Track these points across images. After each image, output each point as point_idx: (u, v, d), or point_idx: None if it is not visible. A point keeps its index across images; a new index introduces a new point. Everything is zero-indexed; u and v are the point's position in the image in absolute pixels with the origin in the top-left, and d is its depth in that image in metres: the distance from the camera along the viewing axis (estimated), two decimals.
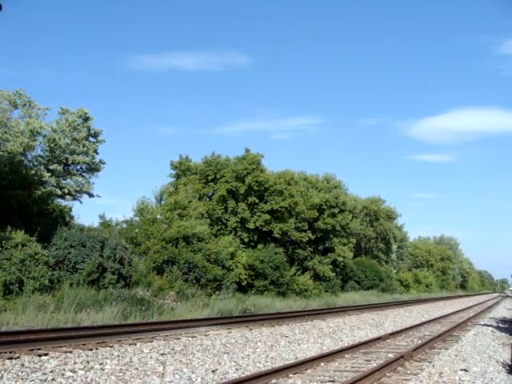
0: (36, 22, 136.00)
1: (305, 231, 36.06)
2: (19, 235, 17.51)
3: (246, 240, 31.79)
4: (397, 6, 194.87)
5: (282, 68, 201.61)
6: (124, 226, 26.34)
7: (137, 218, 27.16)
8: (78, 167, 27.21)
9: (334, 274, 39.78)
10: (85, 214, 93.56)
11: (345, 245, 41.39)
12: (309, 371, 9.91)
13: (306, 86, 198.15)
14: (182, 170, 34.55)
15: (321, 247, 40.01)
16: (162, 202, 29.84)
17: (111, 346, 11.37)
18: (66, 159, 26.42)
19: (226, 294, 23.92)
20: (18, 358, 9.32)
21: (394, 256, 66.20)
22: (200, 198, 32.15)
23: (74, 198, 26.96)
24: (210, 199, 33.16)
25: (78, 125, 27.16)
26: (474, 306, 43.33)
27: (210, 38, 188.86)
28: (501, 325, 22.98)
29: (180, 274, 23.19)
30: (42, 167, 25.21)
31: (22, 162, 22.36)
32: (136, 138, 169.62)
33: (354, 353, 12.53)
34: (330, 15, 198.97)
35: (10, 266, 16.38)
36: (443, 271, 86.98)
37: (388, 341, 15.30)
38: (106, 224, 25.27)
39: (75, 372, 8.58)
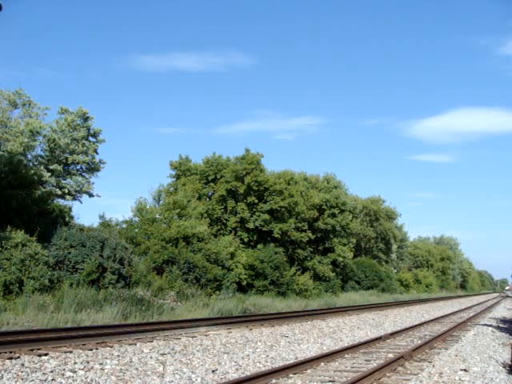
0: (36, 22, 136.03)
1: (305, 231, 36.07)
2: (19, 235, 17.50)
3: (245, 240, 31.81)
4: (397, 7, 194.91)
5: (284, 68, 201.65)
6: (124, 226, 26.34)
7: (136, 218, 27.17)
8: (78, 167, 27.24)
9: (334, 273, 39.80)
10: (85, 214, 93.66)
11: (345, 245, 41.41)
12: (309, 371, 9.90)
13: (308, 86, 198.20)
14: (182, 170, 34.57)
15: (321, 247, 40.03)
16: (161, 202, 29.85)
17: (111, 346, 11.36)
18: (66, 159, 26.43)
19: (226, 293, 23.92)
20: (18, 357, 9.31)
21: (394, 256, 66.24)
22: (199, 198, 32.16)
23: (74, 198, 26.98)
24: (210, 199, 33.18)
25: (78, 125, 27.19)
26: (474, 305, 43.33)
27: (212, 39, 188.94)
28: (501, 325, 22.98)
29: (180, 273, 23.20)
30: (42, 167, 25.21)
31: (21, 162, 22.36)
32: (136, 138, 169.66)
33: (354, 353, 12.52)
34: (331, 15, 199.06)
35: (9, 266, 16.37)
36: (443, 271, 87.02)
37: (388, 341, 15.29)
38: (105, 224, 25.26)
39: (75, 372, 8.58)
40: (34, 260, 16.99)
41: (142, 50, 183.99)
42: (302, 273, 35.05)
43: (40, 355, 9.66)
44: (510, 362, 11.12)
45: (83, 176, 27.32)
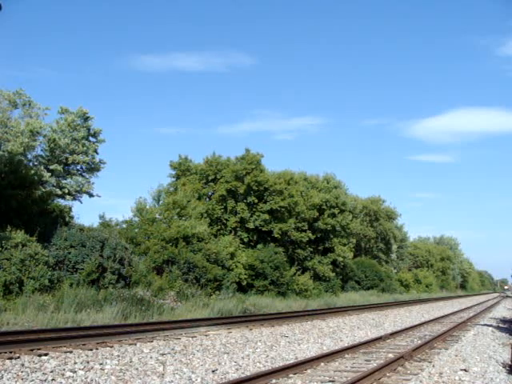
0: (36, 22, 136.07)
1: (305, 231, 36.06)
2: (19, 235, 17.51)
3: (245, 240, 31.80)
4: (398, 7, 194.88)
5: (284, 68, 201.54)
6: (124, 226, 26.34)
7: (136, 218, 27.17)
8: (78, 167, 27.23)
9: (334, 274, 39.79)
10: (85, 214, 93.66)
11: (345, 245, 41.39)
12: (309, 371, 9.90)
13: (308, 86, 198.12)
14: (182, 170, 34.56)
15: (321, 247, 40.00)
16: (161, 202, 29.84)
17: (111, 346, 11.37)
18: (66, 159, 26.42)
19: (226, 293, 23.92)
20: (18, 357, 9.31)
21: (393, 256, 66.19)
22: (199, 198, 32.15)
23: (74, 198, 26.98)
24: (210, 199, 33.17)
25: (78, 125, 27.17)
26: (474, 306, 43.34)
27: (212, 39, 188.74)
28: (501, 325, 22.98)
29: (180, 273, 23.20)
30: (42, 167, 25.21)
31: (21, 162, 22.37)
32: (136, 138, 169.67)
33: (354, 353, 12.52)
34: (331, 15, 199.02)
35: (10, 266, 16.38)
36: (443, 271, 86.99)
37: (388, 341, 15.29)
38: (105, 224, 25.27)
39: (75, 372, 8.58)
40: (34, 260, 17.00)
41: (142, 50, 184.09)
42: (302, 273, 35.05)
43: (40, 355, 9.66)
44: (510, 362, 11.12)
45: (83, 176, 27.31)
